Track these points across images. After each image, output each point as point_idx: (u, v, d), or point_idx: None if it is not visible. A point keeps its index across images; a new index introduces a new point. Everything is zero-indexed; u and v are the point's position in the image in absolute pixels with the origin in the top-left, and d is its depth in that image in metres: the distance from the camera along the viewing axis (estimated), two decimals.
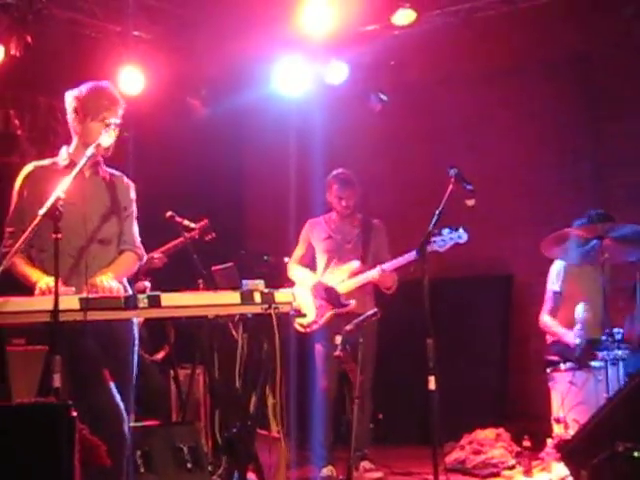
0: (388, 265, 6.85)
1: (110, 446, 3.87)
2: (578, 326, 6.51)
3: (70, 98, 4.79)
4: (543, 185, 8.54)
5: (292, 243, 7.39)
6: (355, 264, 7.00)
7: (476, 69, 8.47)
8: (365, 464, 6.96)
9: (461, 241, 6.33)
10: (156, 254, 6.91)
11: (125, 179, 4.95)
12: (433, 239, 6.30)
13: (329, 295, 6.94)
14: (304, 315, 6.85)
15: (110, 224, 4.76)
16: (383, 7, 7.83)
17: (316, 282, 7.07)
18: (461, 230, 6.29)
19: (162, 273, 6.98)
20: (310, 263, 7.28)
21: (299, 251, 7.34)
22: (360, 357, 6.26)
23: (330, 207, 7.27)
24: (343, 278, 7.00)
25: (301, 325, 6.98)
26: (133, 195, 4.95)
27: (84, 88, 4.80)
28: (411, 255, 6.54)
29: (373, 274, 6.86)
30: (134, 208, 4.93)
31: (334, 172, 7.24)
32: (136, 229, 4.92)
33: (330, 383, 6.91)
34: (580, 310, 6.50)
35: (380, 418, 7.48)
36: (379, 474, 6.91)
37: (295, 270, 7.26)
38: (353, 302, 6.80)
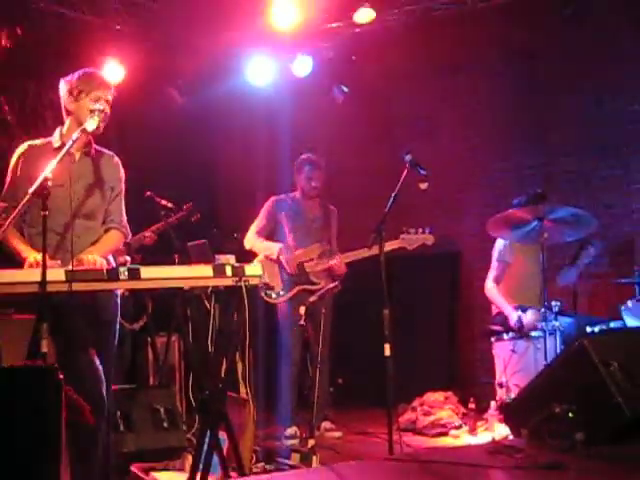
0: (347, 256, 6.84)
1: (90, 407, 3.85)
2: (520, 313, 6.59)
3: (64, 81, 4.73)
4: (488, 172, 8.59)
5: None
6: (325, 246, 7.03)
7: (430, 64, 8.49)
8: (326, 424, 7.02)
9: (428, 243, 6.38)
10: (147, 233, 6.86)
11: (115, 159, 4.88)
12: (402, 236, 6.38)
13: (301, 271, 6.94)
14: (272, 287, 6.82)
15: (93, 199, 4.70)
16: (345, 6, 7.85)
17: (291, 256, 6.96)
18: (427, 232, 6.33)
19: (141, 248, 6.95)
20: (268, 237, 7.14)
21: (260, 223, 7.18)
22: (320, 327, 6.25)
23: (295, 187, 7.24)
24: (313, 257, 6.99)
25: (269, 297, 6.96)
26: (121, 174, 4.88)
27: (78, 72, 4.75)
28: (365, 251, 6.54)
29: (334, 261, 6.87)
30: (122, 187, 4.87)
31: (304, 155, 7.21)
32: (123, 208, 4.87)
33: (295, 351, 6.92)
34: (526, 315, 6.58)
35: (340, 382, 7.51)
36: (339, 433, 6.98)
37: (258, 241, 7.11)
38: (331, 284, 6.79)
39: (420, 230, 6.42)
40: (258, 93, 8.63)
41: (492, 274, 7.01)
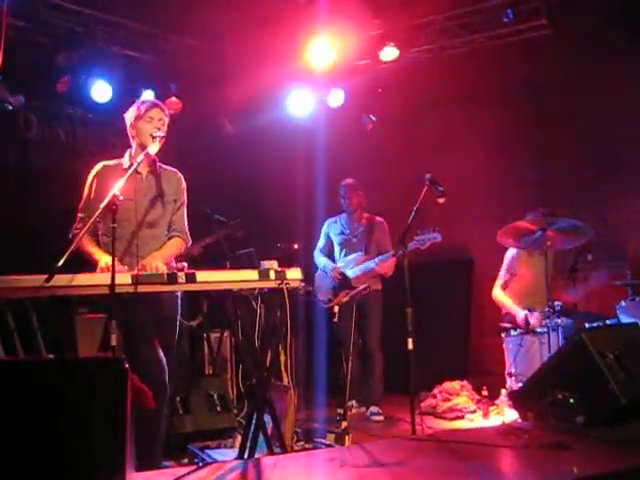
0: (379, 258, 6.99)
1: (153, 392, 3.86)
2: (527, 312, 6.53)
3: (128, 112, 4.80)
4: (498, 188, 8.51)
5: (300, 233, 7.46)
6: (359, 254, 7.17)
7: (445, 95, 8.42)
8: (373, 409, 7.04)
9: (437, 240, 6.39)
10: (195, 246, 6.83)
11: (178, 174, 4.90)
12: (416, 238, 6.38)
13: (344, 279, 7.10)
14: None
15: (156, 209, 4.73)
16: (373, 45, 7.85)
17: (334, 267, 7.23)
18: (437, 232, 6.32)
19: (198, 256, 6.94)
20: (329, 252, 7.43)
21: (320, 243, 7.50)
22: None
23: (341, 209, 7.44)
24: (352, 265, 7.15)
25: (322, 302, 7.14)
26: (184, 186, 4.89)
27: (136, 108, 4.81)
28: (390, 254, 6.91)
29: (372, 265, 7.02)
30: (184, 199, 4.87)
31: (342, 181, 7.40)
32: (185, 218, 4.87)
33: (343, 345, 6.90)
34: (532, 316, 6.51)
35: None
36: (381, 417, 6.94)
37: (319, 258, 7.43)
38: (361, 287, 6.82)
39: (430, 230, 6.42)
40: (298, 122, 8.65)
41: (499, 282, 6.98)
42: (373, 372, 7.10)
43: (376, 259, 7.01)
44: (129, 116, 4.78)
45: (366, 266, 7.06)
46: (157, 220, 4.74)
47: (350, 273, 7.12)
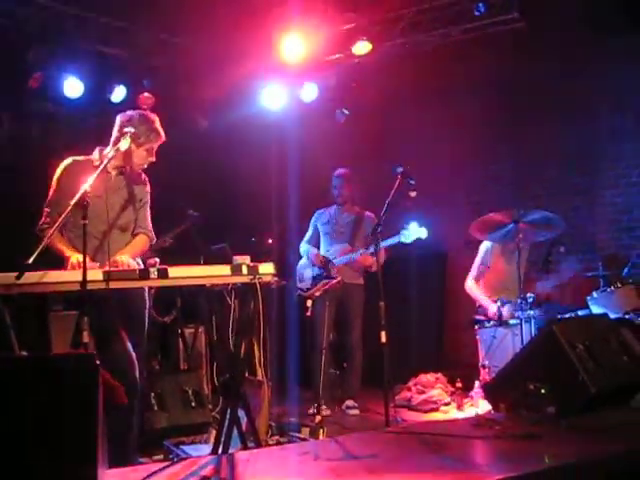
0: (364, 250, 6.97)
1: (124, 388, 3.86)
2: (499, 305, 6.55)
3: (123, 117, 4.76)
4: (472, 181, 8.57)
5: (273, 228, 7.45)
6: (344, 245, 7.15)
7: (419, 89, 8.45)
8: (348, 402, 7.04)
9: (422, 236, 6.40)
10: (167, 238, 6.82)
11: (143, 176, 4.91)
12: (402, 232, 6.40)
13: (325, 266, 7.07)
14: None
15: (127, 213, 4.74)
16: (345, 40, 7.85)
17: (317, 253, 7.22)
18: (424, 228, 6.34)
19: (171, 251, 6.92)
20: (316, 243, 7.39)
21: (308, 234, 7.45)
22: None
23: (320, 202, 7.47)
24: (335, 256, 7.13)
25: (301, 290, 7.13)
26: (148, 188, 4.91)
27: (138, 114, 4.80)
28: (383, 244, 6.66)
29: (356, 255, 7.00)
30: (148, 199, 4.89)
31: (335, 171, 7.39)
32: (149, 216, 4.89)
33: (324, 337, 6.88)
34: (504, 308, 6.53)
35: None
36: (356, 411, 6.95)
37: (304, 247, 7.38)
38: (334, 280, 6.80)
39: (416, 225, 6.44)
40: (271, 116, 8.64)
41: (473, 274, 6.99)
42: (352, 367, 7.10)
43: (360, 250, 7.00)
44: (123, 123, 4.73)
45: (349, 257, 7.04)
46: (129, 224, 4.77)
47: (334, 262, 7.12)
